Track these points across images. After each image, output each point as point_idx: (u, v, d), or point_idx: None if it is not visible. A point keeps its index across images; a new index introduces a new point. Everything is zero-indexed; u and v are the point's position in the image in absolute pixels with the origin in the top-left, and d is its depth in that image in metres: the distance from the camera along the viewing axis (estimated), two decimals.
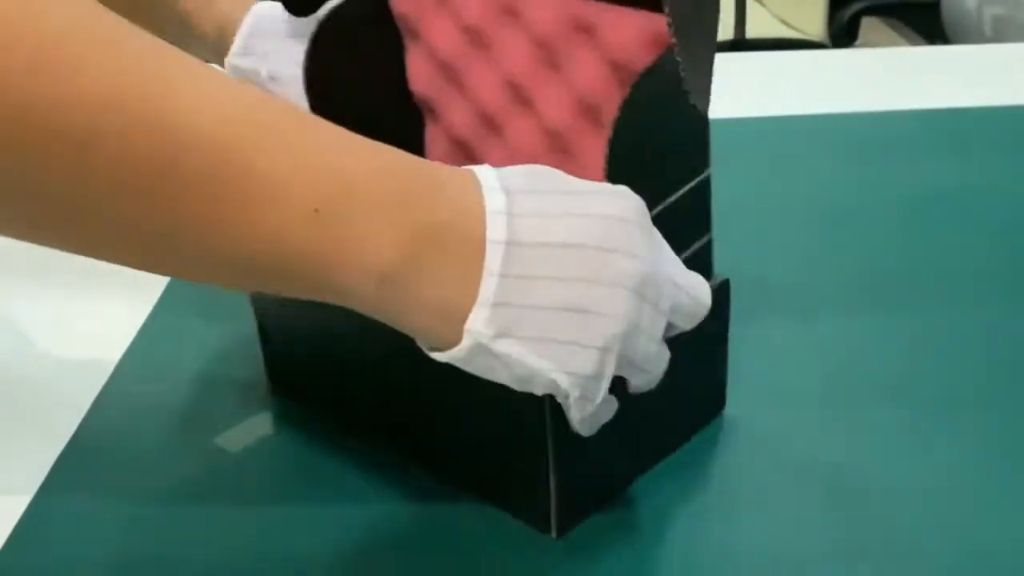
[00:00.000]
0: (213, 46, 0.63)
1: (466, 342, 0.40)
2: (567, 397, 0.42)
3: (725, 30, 2.36)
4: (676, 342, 0.46)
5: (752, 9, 2.41)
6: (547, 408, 0.46)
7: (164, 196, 0.36)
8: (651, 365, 0.44)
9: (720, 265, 0.74)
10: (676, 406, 0.53)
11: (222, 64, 0.63)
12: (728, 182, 0.88)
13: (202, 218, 0.37)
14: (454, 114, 0.60)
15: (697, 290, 0.46)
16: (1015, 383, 0.61)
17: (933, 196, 0.84)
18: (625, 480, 0.53)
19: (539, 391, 0.43)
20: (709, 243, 0.55)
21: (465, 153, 0.60)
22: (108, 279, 0.74)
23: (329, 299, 0.41)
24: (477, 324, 0.40)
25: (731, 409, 0.59)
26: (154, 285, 0.72)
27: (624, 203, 0.43)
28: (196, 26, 0.63)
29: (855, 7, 2.23)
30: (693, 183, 0.52)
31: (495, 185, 0.41)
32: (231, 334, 0.66)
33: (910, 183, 0.86)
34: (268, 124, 0.38)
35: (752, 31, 2.36)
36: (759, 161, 0.92)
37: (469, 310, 0.40)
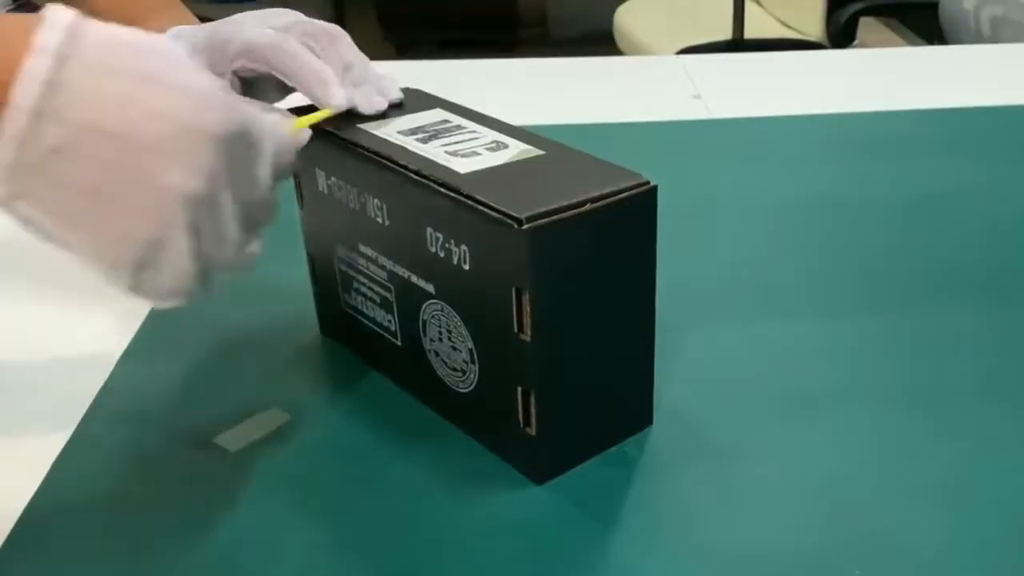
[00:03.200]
0: None
1: None
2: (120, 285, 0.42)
3: (724, 30, 2.37)
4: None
5: (750, 9, 2.41)
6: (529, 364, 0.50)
7: None
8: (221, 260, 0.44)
9: (719, 265, 0.75)
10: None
11: None
12: (726, 182, 0.88)
13: None
14: None
15: (271, 126, 0.45)
16: (1015, 383, 0.61)
17: (932, 196, 0.84)
18: (610, 434, 0.56)
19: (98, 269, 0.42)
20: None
21: None
22: None
23: None
24: None
25: (729, 408, 0.59)
26: None
27: (190, 104, 0.40)
28: None
29: (853, 7, 2.23)
30: None
31: (48, 48, 0.38)
32: (230, 334, 0.66)
33: (909, 183, 0.87)
34: None
35: (750, 31, 2.37)
36: (757, 161, 0.92)
37: None
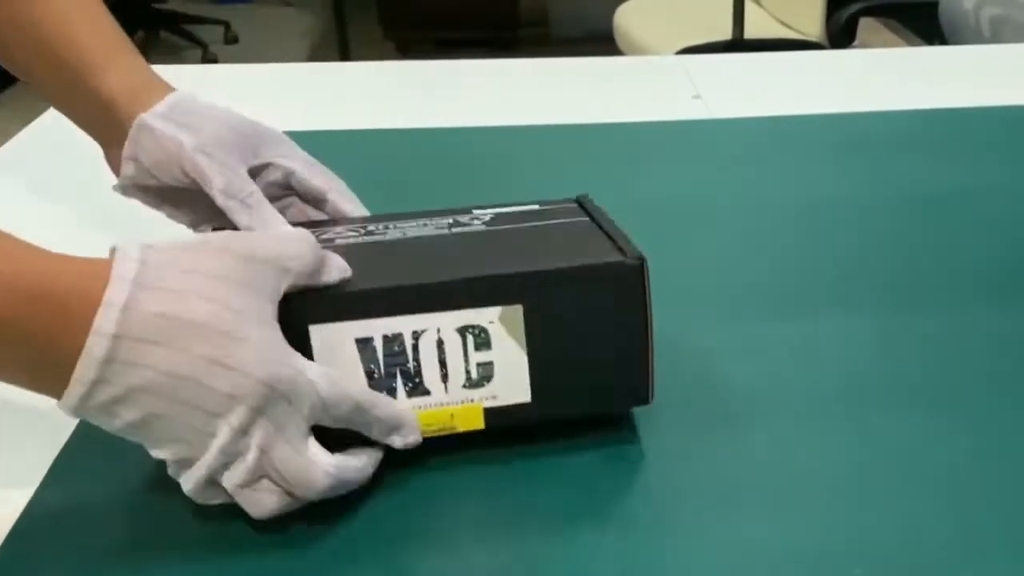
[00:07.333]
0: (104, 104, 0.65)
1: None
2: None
3: (724, 30, 2.37)
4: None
5: (750, 9, 2.42)
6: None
7: None
8: (290, 480, 0.49)
9: (718, 266, 0.75)
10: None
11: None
12: (726, 182, 0.88)
13: None
14: None
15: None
16: (1017, 383, 0.61)
17: (931, 196, 0.84)
18: None
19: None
20: None
21: None
22: None
23: None
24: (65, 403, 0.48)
25: (728, 409, 0.59)
26: None
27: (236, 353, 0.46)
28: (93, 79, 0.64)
29: (853, 7, 2.23)
30: None
31: (104, 332, 0.45)
32: None
33: (908, 183, 0.87)
34: None
35: (750, 31, 2.37)
36: (757, 161, 0.92)
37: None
